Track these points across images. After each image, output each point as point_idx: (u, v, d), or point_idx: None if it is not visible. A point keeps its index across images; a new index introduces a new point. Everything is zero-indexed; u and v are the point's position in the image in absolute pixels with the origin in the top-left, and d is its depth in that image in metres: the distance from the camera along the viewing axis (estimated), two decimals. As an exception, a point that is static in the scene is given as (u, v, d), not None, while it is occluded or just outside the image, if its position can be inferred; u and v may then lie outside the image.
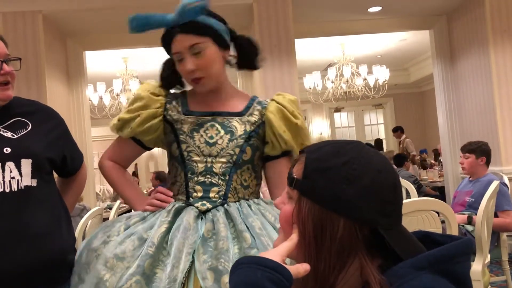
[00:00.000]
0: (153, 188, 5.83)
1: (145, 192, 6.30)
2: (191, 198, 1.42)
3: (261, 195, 1.58)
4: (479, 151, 3.39)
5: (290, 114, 1.45)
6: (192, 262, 1.27)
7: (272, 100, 1.50)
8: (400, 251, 0.79)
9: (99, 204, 5.98)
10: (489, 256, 2.81)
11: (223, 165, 1.42)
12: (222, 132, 1.43)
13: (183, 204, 1.42)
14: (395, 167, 5.96)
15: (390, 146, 10.93)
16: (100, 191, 8.07)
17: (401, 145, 9.09)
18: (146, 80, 4.92)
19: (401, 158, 6.27)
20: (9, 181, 1.40)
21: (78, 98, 4.99)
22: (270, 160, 1.50)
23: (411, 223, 2.12)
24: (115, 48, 5.85)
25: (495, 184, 2.79)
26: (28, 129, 1.50)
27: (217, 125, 1.44)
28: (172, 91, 1.57)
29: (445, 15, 5.27)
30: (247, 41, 1.49)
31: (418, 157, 9.05)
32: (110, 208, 4.68)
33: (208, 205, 1.40)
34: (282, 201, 0.89)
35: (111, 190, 8.63)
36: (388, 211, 0.81)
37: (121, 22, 4.98)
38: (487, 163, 3.41)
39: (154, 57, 7.26)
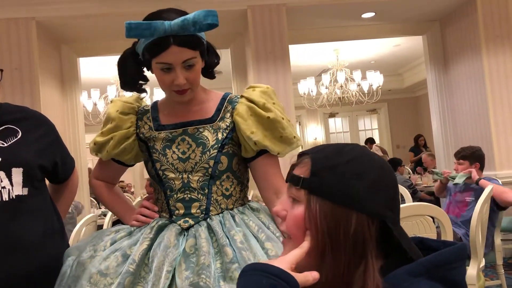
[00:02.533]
0: (147, 194, 5.81)
1: (140, 199, 6.27)
2: (174, 216, 1.41)
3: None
4: (473, 157, 3.40)
5: (261, 108, 1.39)
6: (173, 279, 1.26)
7: (242, 96, 1.44)
8: (406, 244, 0.80)
9: (93, 211, 5.95)
10: (483, 260, 2.81)
11: (200, 179, 1.39)
12: (194, 145, 1.39)
13: (167, 221, 1.41)
14: None
15: (384, 151, 10.96)
16: (94, 198, 8.02)
17: None
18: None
19: (395, 163, 6.28)
20: (0, 191, 1.39)
21: (72, 104, 4.98)
22: (249, 161, 1.45)
23: (406, 228, 2.12)
24: (109, 55, 5.84)
25: (489, 188, 2.80)
26: (18, 137, 1.48)
27: (187, 139, 1.40)
28: (144, 103, 1.55)
29: (438, 21, 5.31)
30: (212, 49, 1.45)
31: (412, 163, 9.08)
32: (105, 215, 4.65)
33: (191, 222, 1.38)
34: (283, 207, 0.88)
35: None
36: (394, 206, 0.84)
37: (114, 28, 5.01)
38: (481, 168, 3.42)
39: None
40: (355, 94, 7.55)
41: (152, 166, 1.44)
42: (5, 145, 1.45)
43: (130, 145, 1.47)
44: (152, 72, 1.38)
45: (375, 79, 7.48)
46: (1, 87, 1.51)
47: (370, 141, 9.97)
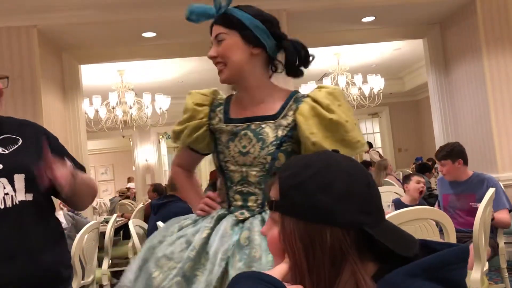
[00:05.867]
0: (150, 200, 5.79)
1: (142, 205, 6.26)
2: (232, 207, 1.47)
3: None
4: (453, 154, 3.32)
5: (325, 109, 1.39)
6: (227, 268, 1.32)
7: (308, 96, 1.46)
8: (391, 245, 0.79)
9: (95, 218, 5.95)
10: (487, 263, 2.80)
11: (257, 174, 1.43)
12: (254, 140, 1.44)
13: (226, 212, 1.47)
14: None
15: (386, 154, 10.94)
16: (96, 205, 8.02)
17: (370, 158, 9.08)
18: (143, 92, 4.93)
19: (425, 168, 6.32)
20: (3, 198, 1.40)
21: (74, 111, 4.99)
22: None
23: (409, 232, 2.12)
24: (110, 61, 5.86)
25: (491, 191, 2.79)
26: (19, 144, 1.50)
27: (249, 134, 1.45)
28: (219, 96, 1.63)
29: (438, 24, 5.32)
30: (293, 47, 1.47)
31: (413, 165, 9.05)
32: (107, 222, 4.65)
33: (247, 214, 1.43)
34: (268, 228, 0.89)
35: (108, 203, 8.59)
36: (369, 209, 0.82)
37: (115, 35, 5.02)
38: (465, 163, 3.35)
39: (149, 70, 7.28)
40: (357, 98, 7.56)
41: (216, 156, 1.52)
42: (6, 152, 1.47)
43: (202, 134, 1.55)
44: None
45: (376, 83, 7.49)
46: (3, 98, 1.53)
47: (369, 145, 9.84)
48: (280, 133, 1.42)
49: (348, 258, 0.80)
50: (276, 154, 1.41)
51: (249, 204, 1.44)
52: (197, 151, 1.62)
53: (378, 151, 9.46)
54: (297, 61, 1.48)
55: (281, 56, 1.50)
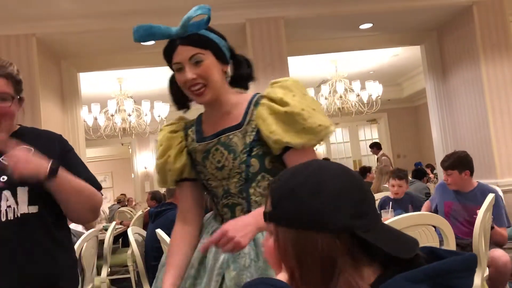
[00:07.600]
0: (149, 208, 5.78)
1: (141, 212, 6.25)
2: (224, 220, 1.48)
3: None
4: (461, 165, 3.25)
5: (278, 103, 1.39)
6: (223, 280, 1.35)
7: (264, 96, 1.46)
8: (386, 247, 0.77)
9: (94, 225, 5.92)
10: (487, 269, 2.80)
11: (237, 184, 1.44)
12: (226, 153, 1.44)
13: (219, 226, 1.47)
14: (411, 178, 5.99)
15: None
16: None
17: (378, 162, 8.79)
18: (142, 99, 4.95)
19: (421, 173, 6.33)
20: (6, 210, 1.40)
21: (72, 119, 4.99)
22: (281, 157, 1.44)
23: (408, 238, 2.12)
24: (109, 69, 5.88)
25: (490, 196, 2.79)
26: None
27: (220, 148, 1.45)
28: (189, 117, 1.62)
29: (435, 30, 5.34)
30: (245, 61, 1.52)
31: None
32: (106, 230, 4.64)
33: None
34: (266, 239, 0.90)
35: (107, 211, 8.57)
36: (361, 212, 0.80)
37: (114, 43, 5.02)
38: (472, 174, 3.30)
39: (148, 77, 7.29)
40: (355, 104, 7.57)
41: (198, 176, 1.53)
42: None
43: (187, 158, 1.53)
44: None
45: (374, 89, 7.51)
46: (20, 111, 1.54)
47: (377, 146, 9.12)
48: (248, 139, 1.43)
49: (340, 265, 0.78)
50: (248, 161, 1.42)
51: (237, 214, 1.44)
52: (192, 179, 1.56)
53: (388, 158, 9.00)
54: (250, 73, 1.52)
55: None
